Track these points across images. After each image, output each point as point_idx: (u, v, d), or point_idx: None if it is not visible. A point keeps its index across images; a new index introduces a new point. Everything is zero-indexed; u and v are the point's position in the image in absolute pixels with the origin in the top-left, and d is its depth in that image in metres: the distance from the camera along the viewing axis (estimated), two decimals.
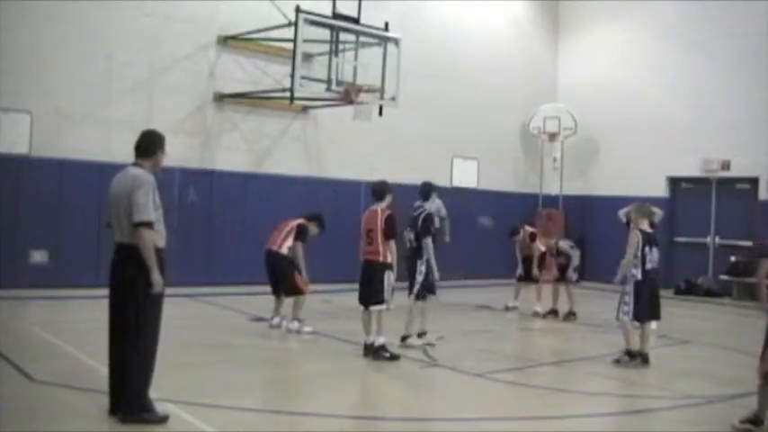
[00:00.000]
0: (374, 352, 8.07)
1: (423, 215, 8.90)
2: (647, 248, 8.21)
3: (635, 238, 8.22)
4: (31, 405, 5.79)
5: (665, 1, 17.73)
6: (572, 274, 11.98)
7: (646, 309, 8.32)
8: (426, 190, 9.36)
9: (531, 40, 19.45)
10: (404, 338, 8.84)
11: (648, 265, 8.22)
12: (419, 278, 8.81)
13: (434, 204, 16.28)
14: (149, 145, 5.52)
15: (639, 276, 8.22)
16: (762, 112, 15.86)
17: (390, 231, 8.08)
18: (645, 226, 8.38)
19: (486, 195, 17.49)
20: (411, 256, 8.96)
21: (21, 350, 7.58)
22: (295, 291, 9.59)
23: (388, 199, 8.33)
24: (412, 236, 8.92)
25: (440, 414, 6.27)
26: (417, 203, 9.18)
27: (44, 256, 12.10)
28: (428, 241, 8.77)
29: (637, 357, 8.34)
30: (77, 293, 11.45)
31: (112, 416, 5.40)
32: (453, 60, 17.29)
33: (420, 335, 8.92)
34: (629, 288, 8.30)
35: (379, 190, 8.34)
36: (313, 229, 9.83)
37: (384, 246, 8.08)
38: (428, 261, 8.80)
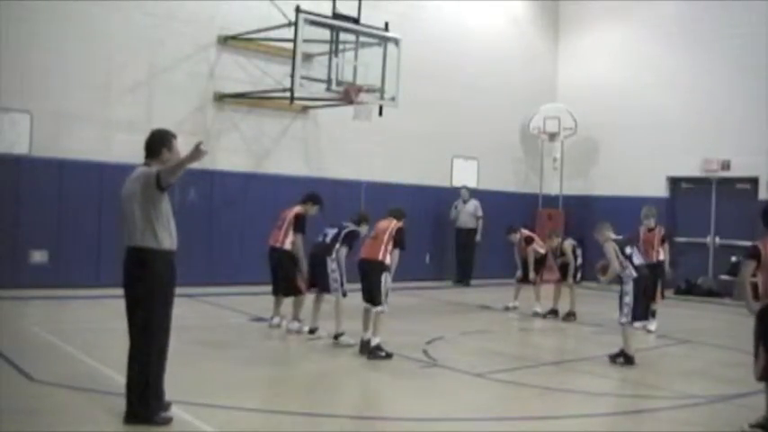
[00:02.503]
0: (370, 351, 8.14)
1: (347, 230, 9.02)
2: (627, 248, 8.58)
3: (611, 248, 8.57)
4: (30, 405, 5.78)
5: (664, 1, 17.73)
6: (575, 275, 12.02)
7: (641, 308, 8.52)
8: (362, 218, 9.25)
9: (531, 40, 19.44)
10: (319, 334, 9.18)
11: (637, 261, 8.54)
12: (334, 275, 8.91)
13: (471, 204, 16.50)
14: (154, 144, 5.51)
15: (635, 274, 8.42)
16: (762, 112, 15.84)
17: (399, 240, 8.36)
18: (613, 235, 8.87)
19: (487, 195, 17.47)
20: (319, 253, 9.04)
21: (21, 350, 7.57)
22: (294, 291, 9.59)
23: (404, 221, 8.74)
24: (332, 233, 9.02)
25: (440, 414, 6.26)
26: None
27: (44, 256, 12.09)
28: (342, 249, 8.92)
29: (633, 361, 8.36)
30: (77, 293, 11.49)
31: (130, 418, 5.35)
32: (453, 60, 17.28)
33: (337, 336, 8.87)
34: (629, 288, 8.42)
35: (397, 215, 8.66)
36: (311, 209, 9.80)
37: (387, 247, 8.27)
38: (338, 261, 8.91)
